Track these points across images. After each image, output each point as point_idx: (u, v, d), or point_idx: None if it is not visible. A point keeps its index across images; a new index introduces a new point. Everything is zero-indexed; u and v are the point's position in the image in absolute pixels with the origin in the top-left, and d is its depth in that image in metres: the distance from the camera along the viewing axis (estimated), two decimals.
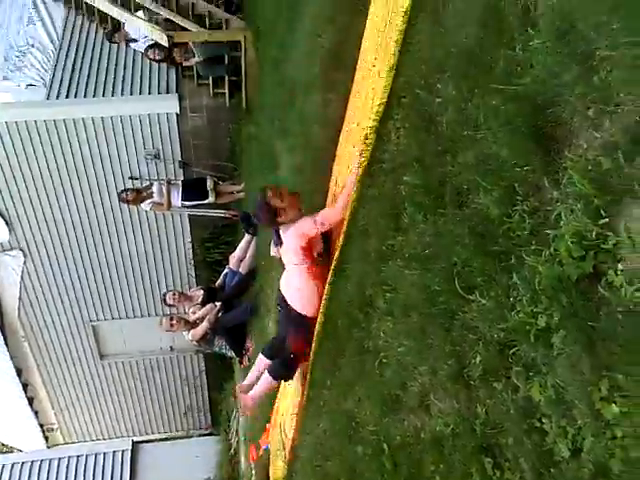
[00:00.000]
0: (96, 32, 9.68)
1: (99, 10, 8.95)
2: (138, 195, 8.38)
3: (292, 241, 3.90)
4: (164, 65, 9.00)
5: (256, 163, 7.78)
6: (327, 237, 4.09)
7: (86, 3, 9.06)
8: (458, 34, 2.42)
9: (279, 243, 4.03)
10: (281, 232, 3.98)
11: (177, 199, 8.37)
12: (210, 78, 8.99)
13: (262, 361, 4.45)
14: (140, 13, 8.44)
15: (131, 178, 9.12)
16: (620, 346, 1.52)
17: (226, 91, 9.05)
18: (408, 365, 2.68)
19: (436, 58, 2.57)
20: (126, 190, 8.44)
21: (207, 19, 8.66)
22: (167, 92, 9.05)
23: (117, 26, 8.90)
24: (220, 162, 9.20)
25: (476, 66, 2.24)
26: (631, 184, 1.52)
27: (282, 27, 6.78)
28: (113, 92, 9.02)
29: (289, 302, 4.11)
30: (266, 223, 4.10)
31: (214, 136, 9.23)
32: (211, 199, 8.49)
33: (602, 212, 1.62)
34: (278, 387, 5.00)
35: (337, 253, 3.72)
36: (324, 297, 3.86)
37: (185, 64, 8.77)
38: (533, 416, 1.86)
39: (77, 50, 9.48)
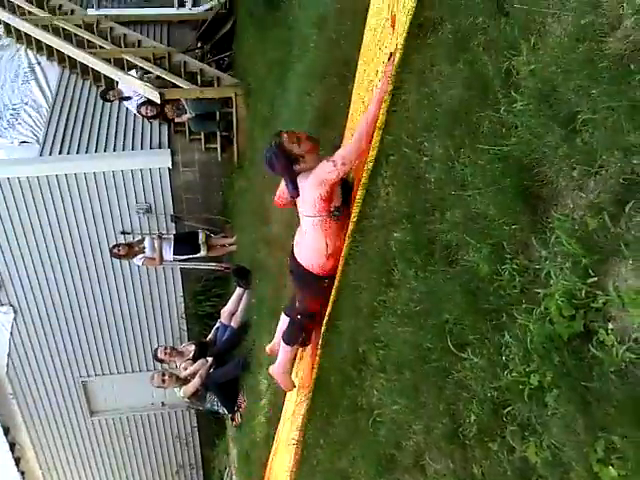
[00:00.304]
0: (89, 89, 9.83)
1: (93, 69, 9.12)
2: (130, 250, 8.37)
3: (311, 192, 3.46)
4: (156, 121, 9.13)
5: (248, 216, 7.83)
6: (346, 188, 3.68)
7: (80, 62, 9.23)
8: (444, 95, 2.48)
9: (296, 195, 3.59)
10: (299, 182, 3.54)
11: (169, 253, 8.36)
12: (202, 133, 9.13)
13: (284, 321, 4.26)
14: (133, 72, 8.61)
15: (123, 233, 9.12)
16: (614, 407, 1.52)
17: (218, 146, 9.17)
18: (402, 423, 2.65)
19: (422, 118, 2.63)
20: (118, 245, 8.43)
21: (199, 76, 8.83)
22: (159, 147, 9.15)
23: (111, 84, 9.06)
24: (212, 215, 9.24)
25: (462, 126, 2.29)
26: (617, 244, 1.54)
27: (272, 85, 6.93)
28: (106, 148, 9.10)
29: (298, 259, 3.77)
30: (282, 172, 3.58)
31: (206, 190, 9.29)
32: (203, 253, 8.48)
33: (590, 271, 1.64)
34: (296, 353, 4.59)
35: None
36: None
37: (177, 120, 8.90)
38: (530, 478, 1.84)
39: (70, 107, 9.60)
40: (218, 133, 9.06)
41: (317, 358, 3.87)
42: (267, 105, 7.11)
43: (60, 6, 10.39)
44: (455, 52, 2.42)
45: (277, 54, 6.93)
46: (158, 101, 8.15)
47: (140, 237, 8.77)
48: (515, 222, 1.94)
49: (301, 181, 3.52)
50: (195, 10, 9.25)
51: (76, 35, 9.40)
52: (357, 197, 3.36)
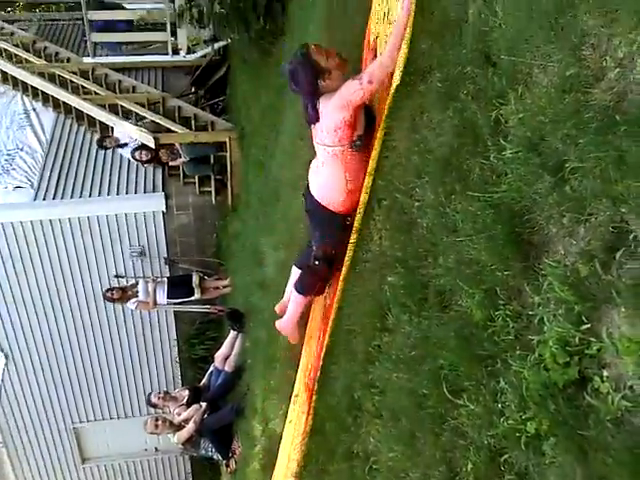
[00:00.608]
0: (84, 134, 9.93)
1: (88, 115, 9.22)
2: (124, 294, 8.34)
3: (334, 115, 3.10)
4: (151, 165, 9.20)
5: (242, 259, 7.83)
6: (370, 116, 3.31)
7: (76, 108, 9.33)
8: (434, 142, 2.51)
9: (315, 119, 3.22)
10: (320, 104, 3.16)
11: (163, 297, 8.33)
12: (196, 177, 9.20)
13: (295, 274, 3.96)
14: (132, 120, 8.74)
15: (117, 276, 9.11)
16: (612, 456, 1.50)
17: (212, 189, 9.24)
18: (399, 471, 2.60)
19: (413, 164, 2.66)
20: (111, 289, 8.40)
21: (193, 121, 8.94)
22: (153, 191, 9.21)
23: (106, 130, 9.16)
24: (206, 258, 9.25)
25: (452, 173, 2.31)
26: (609, 291, 1.55)
27: (266, 129, 7.02)
28: (100, 192, 9.15)
29: (315, 196, 3.46)
30: (306, 89, 3.15)
31: (200, 233, 9.34)
32: (197, 296, 8.46)
33: (584, 318, 1.64)
34: (310, 303, 4.24)
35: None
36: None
37: (171, 164, 8.98)
38: None
39: (65, 152, 9.68)
40: (212, 176, 9.15)
41: (315, 393, 3.81)
42: (261, 149, 7.19)
43: (57, 54, 10.58)
44: (445, 100, 2.46)
45: (270, 99, 7.03)
46: (153, 146, 8.23)
47: (134, 281, 8.75)
48: (507, 268, 1.95)
49: (322, 103, 3.16)
50: (189, 57, 9.43)
51: (72, 82, 9.54)
52: (351, 240, 3.37)
